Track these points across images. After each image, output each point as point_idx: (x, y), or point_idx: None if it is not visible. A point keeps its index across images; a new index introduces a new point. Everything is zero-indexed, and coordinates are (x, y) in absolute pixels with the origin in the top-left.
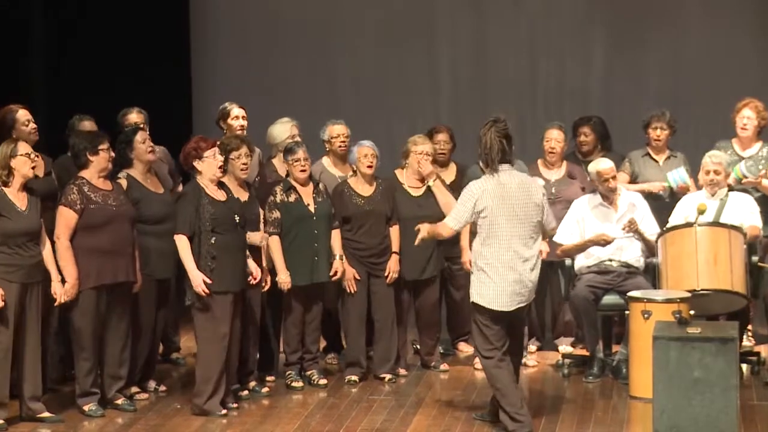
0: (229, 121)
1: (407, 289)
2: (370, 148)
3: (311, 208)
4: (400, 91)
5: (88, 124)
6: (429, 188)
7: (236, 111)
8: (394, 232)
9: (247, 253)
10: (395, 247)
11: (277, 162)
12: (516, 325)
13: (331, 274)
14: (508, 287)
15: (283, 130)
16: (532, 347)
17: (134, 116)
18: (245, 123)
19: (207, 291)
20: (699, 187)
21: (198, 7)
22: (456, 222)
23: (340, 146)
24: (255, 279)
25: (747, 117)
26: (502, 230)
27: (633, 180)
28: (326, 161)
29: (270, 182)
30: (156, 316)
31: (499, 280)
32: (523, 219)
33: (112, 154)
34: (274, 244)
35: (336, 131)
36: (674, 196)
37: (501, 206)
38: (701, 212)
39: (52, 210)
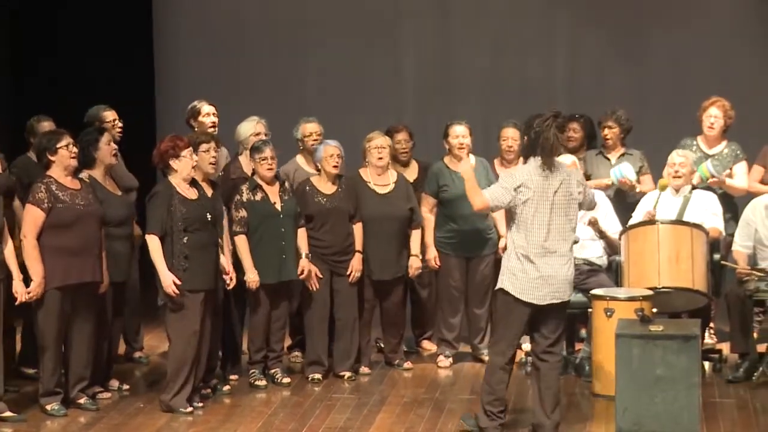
0: (200, 118)
1: (373, 288)
2: (336, 147)
3: (278, 207)
4: (365, 90)
5: (47, 125)
6: (395, 185)
7: (207, 108)
8: (357, 230)
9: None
10: (358, 245)
11: (243, 159)
12: (551, 321)
13: (298, 272)
14: (542, 281)
15: (248, 127)
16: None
17: (110, 114)
18: (216, 120)
19: (177, 292)
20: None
21: (161, 6)
22: (493, 199)
23: (313, 144)
24: (229, 274)
25: (714, 116)
26: (540, 223)
27: (586, 179)
28: (300, 159)
29: (233, 178)
30: (119, 317)
31: (533, 271)
32: (561, 214)
33: (75, 149)
34: (241, 243)
35: (309, 129)
36: (622, 193)
37: (543, 198)
38: (663, 188)
39: (9, 208)
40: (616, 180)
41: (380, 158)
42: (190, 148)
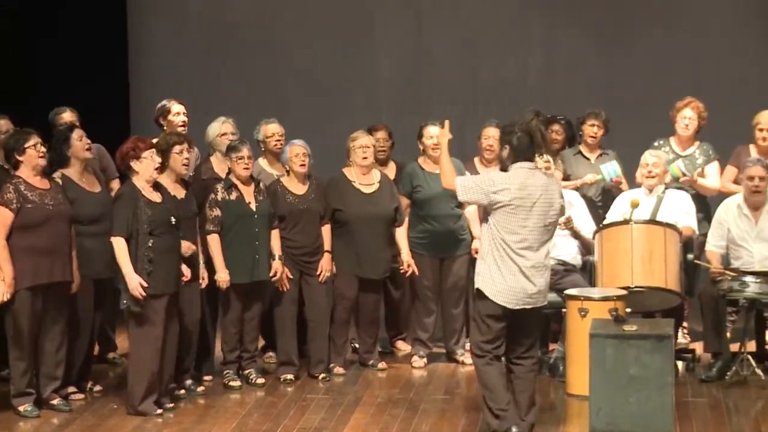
0: (170, 117)
1: (353, 287)
2: (302, 147)
3: (252, 207)
4: (341, 90)
5: (3, 124)
6: (380, 184)
7: (176, 107)
8: (326, 231)
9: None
10: (327, 245)
11: (214, 160)
12: (525, 327)
13: (271, 274)
14: (516, 285)
15: (215, 128)
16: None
17: (67, 115)
18: (186, 119)
19: (144, 294)
20: (638, 185)
21: (135, 6)
22: (462, 190)
23: (275, 145)
24: (187, 278)
25: (688, 117)
26: (516, 227)
27: (565, 179)
28: (263, 161)
29: (204, 179)
30: (94, 316)
31: (508, 275)
32: (540, 222)
33: (43, 149)
34: (214, 242)
35: (270, 130)
36: (606, 193)
37: (520, 204)
38: (635, 206)
39: None
40: (609, 179)
41: (365, 157)
42: (152, 150)
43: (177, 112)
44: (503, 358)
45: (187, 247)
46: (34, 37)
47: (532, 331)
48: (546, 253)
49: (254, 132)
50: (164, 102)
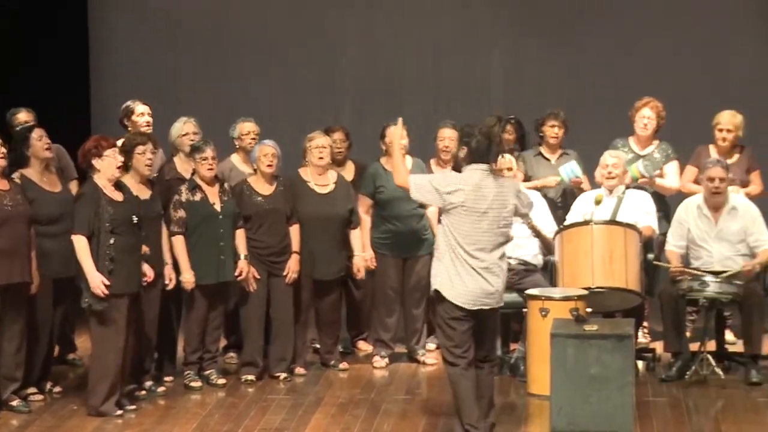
0: (134, 118)
1: (310, 288)
2: (272, 147)
3: (217, 207)
4: (302, 90)
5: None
6: (336, 185)
7: (140, 108)
8: (294, 231)
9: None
10: (295, 246)
11: (177, 160)
12: (484, 328)
13: (236, 273)
14: (472, 286)
15: (177, 128)
16: (431, 345)
17: (23, 115)
18: (150, 119)
19: (106, 293)
20: (598, 185)
21: (96, 6)
22: (416, 188)
23: (250, 143)
24: (149, 279)
25: (647, 117)
26: (470, 229)
27: (526, 180)
28: (235, 158)
29: (167, 180)
30: (53, 317)
31: (464, 275)
32: (495, 223)
33: (3, 150)
34: (179, 243)
35: (246, 128)
36: (566, 194)
37: (474, 205)
38: (598, 202)
39: None
40: (568, 179)
41: (321, 158)
42: (114, 149)
43: (141, 113)
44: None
45: (145, 250)
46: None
47: (490, 332)
48: (501, 254)
49: (230, 129)
50: (128, 103)
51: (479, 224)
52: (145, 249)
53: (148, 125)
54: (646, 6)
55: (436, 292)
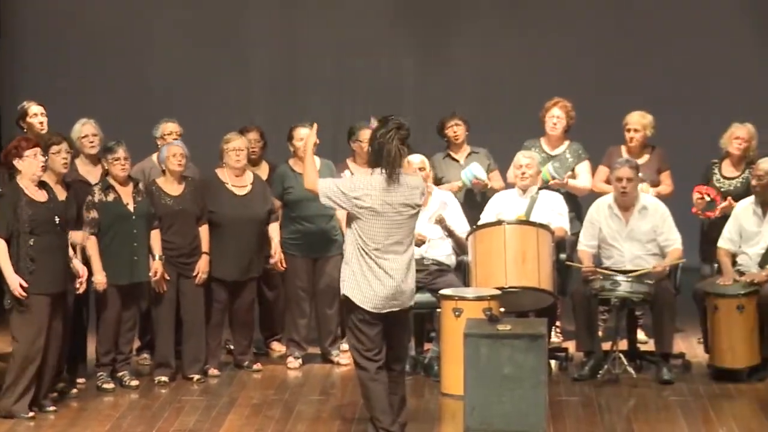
0: (28, 119)
1: (224, 289)
2: (179, 147)
3: (130, 208)
4: (214, 90)
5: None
6: (252, 186)
7: (34, 108)
8: (204, 232)
9: (73, 252)
10: (204, 247)
11: (79, 162)
12: (395, 330)
13: (151, 274)
14: (381, 289)
15: (77, 129)
16: (345, 346)
17: None
18: (45, 120)
19: (24, 294)
20: (511, 185)
21: (4, 7)
22: (324, 191)
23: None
24: (82, 278)
25: (557, 116)
26: (378, 232)
27: (436, 183)
28: (156, 158)
29: (68, 182)
30: None
31: (372, 278)
32: (401, 224)
33: None
34: (91, 244)
35: (169, 128)
36: (472, 192)
37: (383, 210)
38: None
39: None
40: (468, 182)
41: (238, 160)
42: (36, 149)
43: (35, 114)
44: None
45: (82, 237)
46: None
47: (401, 333)
48: (410, 256)
49: (153, 129)
50: (24, 103)
51: (387, 227)
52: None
53: (42, 126)
54: (558, 6)
55: (345, 297)
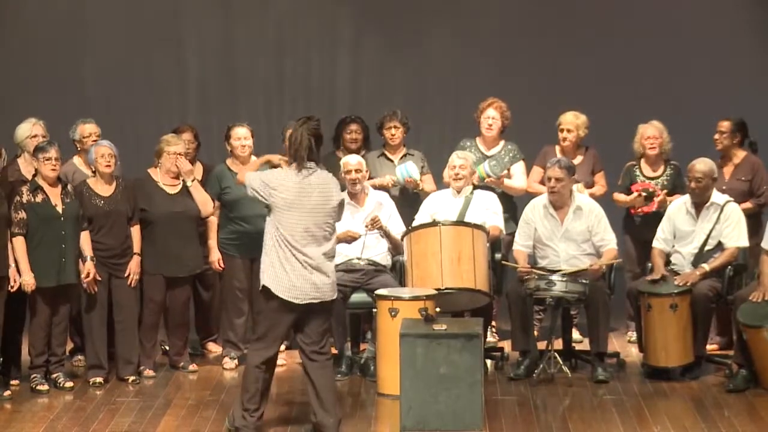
0: None
1: (159, 289)
2: (108, 147)
3: (59, 209)
4: (147, 90)
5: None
6: (185, 186)
7: None
8: (135, 232)
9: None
10: (136, 247)
11: (21, 161)
12: (315, 321)
13: (83, 275)
14: (300, 280)
15: (25, 129)
16: (282, 345)
17: None
18: None
19: None
20: (446, 185)
21: None
22: (250, 182)
23: (92, 145)
24: (15, 283)
25: (492, 117)
26: (294, 225)
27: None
28: (77, 161)
29: (11, 181)
30: None
31: (290, 270)
32: (318, 218)
33: None
34: (19, 245)
35: (87, 130)
36: (406, 191)
37: (297, 202)
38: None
39: None
40: (402, 179)
41: (179, 164)
42: None
43: None
44: (298, 352)
45: None
46: None
47: (322, 324)
48: (327, 248)
49: (70, 131)
50: None
51: (303, 220)
52: None
53: None
54: (489, 5)
55: (264, 287)
